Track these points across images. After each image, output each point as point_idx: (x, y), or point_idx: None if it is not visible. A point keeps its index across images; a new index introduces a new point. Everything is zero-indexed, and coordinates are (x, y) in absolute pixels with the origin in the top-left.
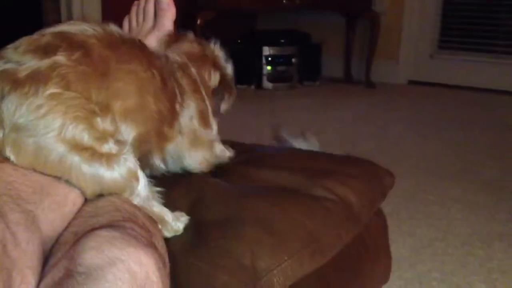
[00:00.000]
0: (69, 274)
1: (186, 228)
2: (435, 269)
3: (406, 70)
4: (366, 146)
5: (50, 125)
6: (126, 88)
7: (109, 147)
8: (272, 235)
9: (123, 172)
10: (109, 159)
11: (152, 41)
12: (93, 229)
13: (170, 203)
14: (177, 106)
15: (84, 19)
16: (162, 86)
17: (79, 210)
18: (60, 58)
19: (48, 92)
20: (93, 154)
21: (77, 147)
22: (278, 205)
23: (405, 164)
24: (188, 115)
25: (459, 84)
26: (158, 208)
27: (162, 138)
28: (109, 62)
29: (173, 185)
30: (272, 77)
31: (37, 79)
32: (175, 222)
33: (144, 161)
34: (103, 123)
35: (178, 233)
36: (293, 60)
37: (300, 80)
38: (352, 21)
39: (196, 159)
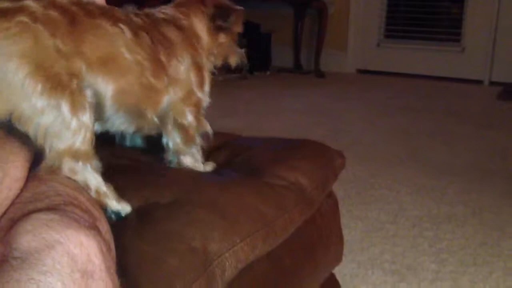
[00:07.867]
0: (3, 259)
1: (137, 211)
2: (387, 251)
3: (354, 59)
4: (318, 133)
5: (19, 43)
6: (95, 39)
7: (75, 84)
8: (224, 218)
9: (84, 120)
10: (73, 96)
11: None
12: (30, 213)
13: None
14: (163, 57)
15: None
16: (134, 39)
17: (17, 196)
18: (29, 2)
19: (17, 19)
20: (58, 85)
21: (43, 69)
22: (231, 190)
23: (355, 150)
24: (183, 66)
25: (405, 71)
26: (95, 180)
27: (151, 89)
28: (77, 15)
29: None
30: (223, 68)
31: (6, 11)
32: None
33: (136, 115)
34: (70, 63)
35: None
36: (243, 50)
37: (251, 71)
38: (300, 11)
39: (186, 116)
